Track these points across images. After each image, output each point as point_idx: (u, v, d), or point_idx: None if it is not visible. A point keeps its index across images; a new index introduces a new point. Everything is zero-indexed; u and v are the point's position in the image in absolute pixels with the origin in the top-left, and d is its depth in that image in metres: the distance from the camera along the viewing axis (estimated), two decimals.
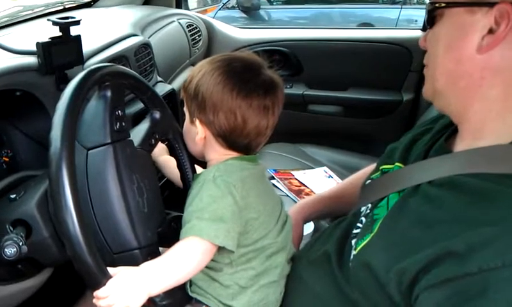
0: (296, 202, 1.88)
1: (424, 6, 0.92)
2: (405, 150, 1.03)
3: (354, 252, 0.91)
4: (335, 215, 1.31)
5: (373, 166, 1.14)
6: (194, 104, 1.03)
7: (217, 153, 1.05)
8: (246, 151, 1.05)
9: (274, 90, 1.03)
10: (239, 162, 1.03)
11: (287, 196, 1.86)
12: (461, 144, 0.89)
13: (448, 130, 0.97)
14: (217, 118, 1.00)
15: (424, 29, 0.93)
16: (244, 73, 1.01)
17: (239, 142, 1.03)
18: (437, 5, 0.86)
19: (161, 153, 1.25)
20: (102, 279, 0.83)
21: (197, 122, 1.03)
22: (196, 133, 1.04)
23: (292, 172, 2.04)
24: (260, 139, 1.04)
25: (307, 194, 1.90)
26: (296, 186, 1.95)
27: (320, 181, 2.00)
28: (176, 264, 0.92)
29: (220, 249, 0.96)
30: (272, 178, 1.96)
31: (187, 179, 1.20)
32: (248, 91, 0.99)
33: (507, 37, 0.77)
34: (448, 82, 0.86)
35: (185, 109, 1.08)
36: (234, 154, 1.05)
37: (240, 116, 0.99)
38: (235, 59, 1.04)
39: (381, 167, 1.07)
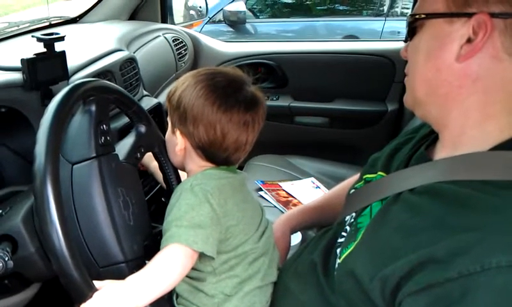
0: (283, 213, 1.89)
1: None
2: (387, 159, 1.05)
3: (338, 261, 0.91)
4: (321, 225, 1.32)
5: (357, 176, 1.16)
6: (176, 115, 1.04)
7: (196, 165, 1.07)
8: (224, 164, 1.07)
9: (255, 106, 1.04)
10: (217, 171, 1.05)
11: (275, 207, 1.87)
12: (441, 152, 0.90)
13: (429, 139, 0.99)
14: (197, 130, 1.01)
15: (406, 40, 0.94)
16: (227, 88, 1.02)
17: (218, 155, 1.04)
18: (417, 16, 0.87)
19: (152, 160, 1.26)
20: (88, 292, 0.83)
21: (177, 133, 1.05)
22: (176, 144, 1.06)
23: (280, 183, 2.05)
24: (238, 154, 1.06)
25: (295, 205, 1.91)
26: (283, 197, 1.96)
27: (308, 192, 2.01)
28: (159, 273, 0.92)
29: (201, 258, 0.97)
30: (260, 189, 1.97)
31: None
32: (229, 105, 1.00)
33: (485, 46, 0.79)
34: (428, 91, 0.88)
35: (168, 118, 1.09)
36: (212, 166, 1.06)
37: (220, 129, 1.00)
38: (219, 74, 1.05)
39: (364, 177, 1.08)
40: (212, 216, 0.96)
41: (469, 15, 0.80)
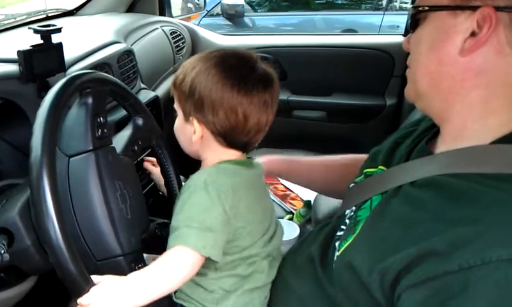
0: (281, 207, 1.89)
1: (406, 12, 0.92)
2: (388, 153, 1.04)
3: (337, 254, 0.91)
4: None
5: (361, 157, 1.16)
6: (190, 103, 0.99)
7: (214, 152, 1.02)
8: (244, 148, 1.04)
9: (271, 84, 1.02)
10: (232, 166, 1.01)
11: (273, 200, 1.87)
12: (442, 146, 0.90)
13: (430, 132, 0.98)
14: (217, 116, 0.97)
15: (405, 34, 0.93)
16: (241, 68, 0.99)
17: (239, 140, 1.01)
18: (420, 8, 0.86)
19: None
20: (84, 286, 0.82)
21: (194, 121, 1.00)
22: (193, 133, 1.01)
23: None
24: (259, 136, 1.03)
25: (292, 199, 1.91)
26: (281, 191, 1.96)
27: None
28: (163, 275, 0.90)
29: (206, 259, 0.94)
30: None
31: (172, 185, 1.20)
32: (249, 87, 0.97)
33: (489, 40, 0.78)
34: (430, 84, 0.87)
35: (176, 107, 1.04)
36: (231, 152, 1.03)
37: (242, 113, 0.97)
38: (230, 55, 1.02)
39: (364, 171, 1.07)
40: (224, 219, 0.93)
41: (473, 8, 0.79)
